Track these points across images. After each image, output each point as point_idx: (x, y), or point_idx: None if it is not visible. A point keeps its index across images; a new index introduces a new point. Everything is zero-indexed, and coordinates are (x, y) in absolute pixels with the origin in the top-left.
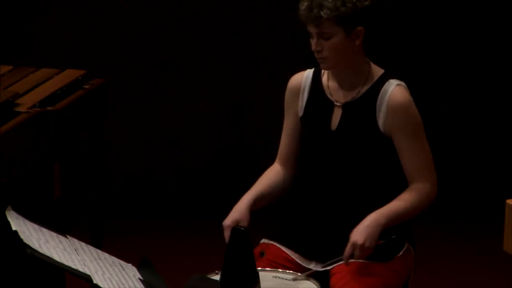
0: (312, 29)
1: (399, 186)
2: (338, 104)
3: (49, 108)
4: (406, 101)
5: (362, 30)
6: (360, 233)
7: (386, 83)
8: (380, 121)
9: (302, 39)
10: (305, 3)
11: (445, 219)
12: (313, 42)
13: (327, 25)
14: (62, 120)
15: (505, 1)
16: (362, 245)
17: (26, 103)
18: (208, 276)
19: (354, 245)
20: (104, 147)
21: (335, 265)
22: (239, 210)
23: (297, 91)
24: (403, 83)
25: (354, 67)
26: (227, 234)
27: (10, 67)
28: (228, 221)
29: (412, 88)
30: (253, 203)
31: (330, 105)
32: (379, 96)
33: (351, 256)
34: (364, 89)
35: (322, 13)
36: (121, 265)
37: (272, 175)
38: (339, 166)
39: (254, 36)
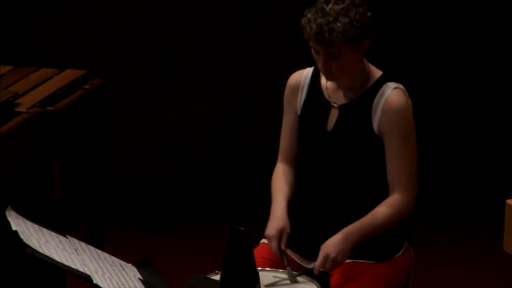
0: (319, 49)
1: None
2: (335, 105)
3: (49, 108)
4: (402, 105)
5: (368, 43)
6: (333, 246)
7: (384, 86)
8: (375, 123)
9: (302, 39)
10: (313, 26)
11: (445, 219)
12: (319, 59)
13: (337, 46)
14: (62, 120)
15: (504, 1)
16: (335, 259)
17: (26, 103)
18: (208, 276)
19: (327, 258)
20: (104, 147)
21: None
22: (279, 218)
23: (296, 89)
24: (401, 86)
25: (355, 73)
26: (273, 244)
27: (10, 67)
28: (272, 231)
29: (411, 89)
30: (287, 208)
31: (327, 106)
32: (376, 99)
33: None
34: (362, 91)
35: (333, 37)
36: (121, 265)
37: (286, 177)
38: (335, 167)
39: (254, 36)
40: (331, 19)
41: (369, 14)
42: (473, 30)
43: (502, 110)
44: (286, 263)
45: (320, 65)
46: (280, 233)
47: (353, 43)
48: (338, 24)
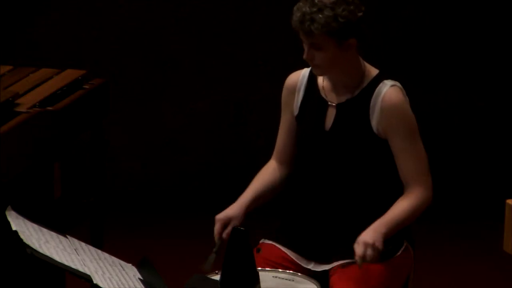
0: (303, 39)
1: (394, 186)
2: (332, 104)
3: (49, 108)
4: (400, 102)
5: (355, 42)
6: (369, 235)
7: (381, 84)
8: (374, 122)
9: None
10: (298, 14)
11: (445, 219)
12: (304, 50)
13: (318, 37)
14: (62, 120)
15: (503, 1)
16: (374, 245)
17: (26, 103)
18: (208, 276)
19: (367, 245)
20: (104, 147)
21: (346, 265)
22: (235, 208)
23: (293, 89)
24: (398, 84)
25: (348, 70)
26: (216, 227)
27: (10, 67)
28: (221, 215)
29: (410, 87)
30: (249, 205)
31: (324, 105)
32: (373, 97)
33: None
34: (359, 89)
35: (312, 28)
36: (121, 265)
37: (269, 173)
38: (333, 167)
39: (254, 36)
40: (315, 9)
41: (360, 14)
42: (471, 29)
43: (501, 108)
44: (215, 249)
45: (304, 55)
46: (228, 220)
47: (336, 38)
48: (320, 16)
